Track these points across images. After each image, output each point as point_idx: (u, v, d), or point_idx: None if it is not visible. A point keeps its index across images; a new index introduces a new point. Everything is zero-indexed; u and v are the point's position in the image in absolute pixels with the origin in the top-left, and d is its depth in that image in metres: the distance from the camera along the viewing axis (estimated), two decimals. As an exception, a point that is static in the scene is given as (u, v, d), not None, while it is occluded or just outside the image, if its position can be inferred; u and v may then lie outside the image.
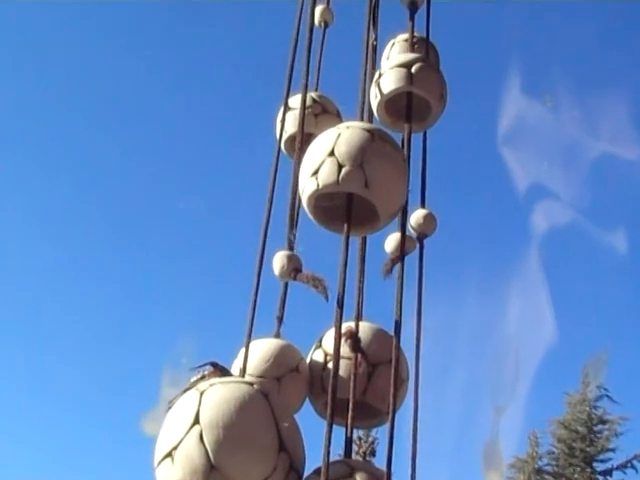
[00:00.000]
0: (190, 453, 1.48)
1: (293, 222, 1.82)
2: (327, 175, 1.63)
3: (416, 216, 1.93)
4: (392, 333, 1.69)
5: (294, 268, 1.73)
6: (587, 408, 12.47)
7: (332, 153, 1.63)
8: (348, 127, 1.68)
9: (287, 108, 2.04)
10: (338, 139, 1.65)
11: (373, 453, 11.31)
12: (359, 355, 1.71)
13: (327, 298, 1.66)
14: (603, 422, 12.55)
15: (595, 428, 12.49)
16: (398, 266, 1.74)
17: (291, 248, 1.78)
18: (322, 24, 2.24)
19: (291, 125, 2.04)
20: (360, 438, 11.26)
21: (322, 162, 1.64)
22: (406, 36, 2.01)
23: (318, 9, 2.21)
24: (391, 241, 1.87)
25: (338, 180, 1.62)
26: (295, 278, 1.73)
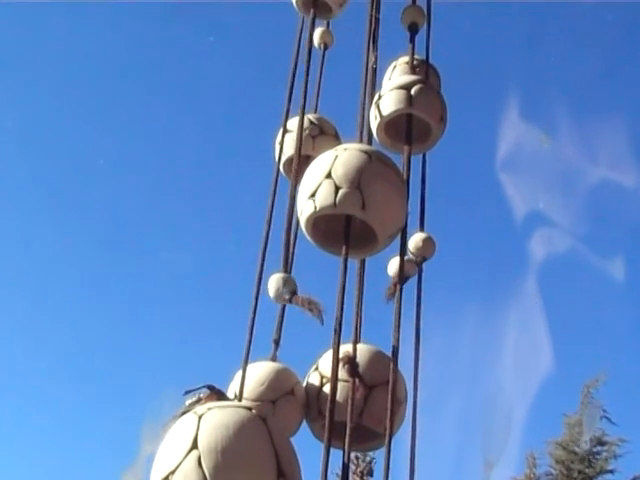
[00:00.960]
0: (188, 478, 1.47)
1: (289, 244, 1.81)
2: (324, 197, 1.62)
3: (415, 239, 1.93)
4: (390, 355, 1.68)
5: (289, 291, 1.72)
6: (586, 404, 12.41)
7: (329, 175, 1.63)
8: (346, 149, 1.68)
9: (286, 130, 2.04)
10: (335, 161, 1.64)
11: (371, 473, 11.25)
12: (357, 380, 1.70)
13: (322, 322, 1.65)
14: (602, 443, 12.50)
15: (594, 449, 12.45)
16: (397, 289, 1.73)
17: (286, 270, 1.77)
18: (322, 46, 2.24)
19: (290, 147, 2.03)
20: (358, 457, 11.21)
21: (319, 184, 1.63)
22: (407, 58, 2.01)
23: (318, 31, 2.21)
24: (394, 265, 1.87)
25: (335, 202, 1.61)
26: (291, 301, 1.72)
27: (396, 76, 2.01)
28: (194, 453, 1.47)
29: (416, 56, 2.00)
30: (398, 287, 1.73)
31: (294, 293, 1.72)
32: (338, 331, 1.60)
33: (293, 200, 1.77)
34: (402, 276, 1.75)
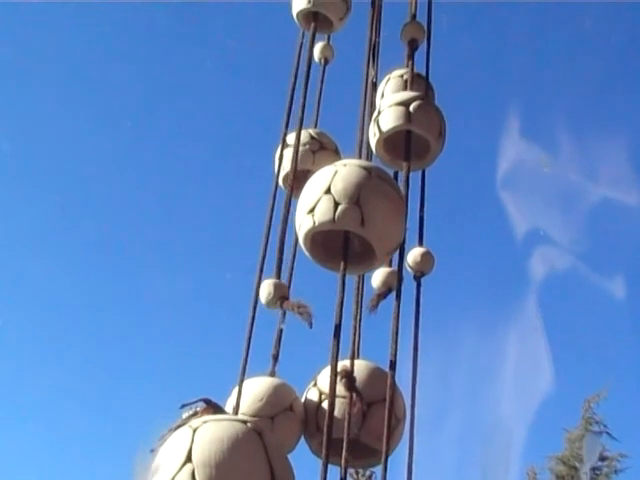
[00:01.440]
0: (182, 492, 1.46)
1: (282, 252, 1.80)
2: (323, 213, 1.62)
3: (413, 254, 1.92)
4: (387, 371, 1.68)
5: (281, 296, 1.72)
6: (586, 434, 12.40)
7: (328, 191, 1.63)
8: (345, 165, 1.68)
9: (285, 145, 2.04)
10: (335, 176, 1.64)
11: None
12: (354, 395, 1.69)
13: (311, 325, 1.65)
14: (602, 459, 12.49)
15: (594, 465, 12.42)
16: (394, 304, 1.73)
17: (278, 276, 1.76)
18: (322, 60, 2.25)
19: (289, 162, 2.03)
20: (358, 472, 11.20)
21: (318, 200, 1.63)
22: (401, 72, 2.02)
23: (318, 45, 2.22)
24: (378, 276, 1.87)
25: (334, 218, 1.61)
26: (282, 306, 1.72)
27: (389, 89, 2.01)
28: (188, 467, 1.47)
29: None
30: (395, 302, 1.73)
31: (285, 298, 1.72)
32: (336, 346, 1.60)
33: (288, 208, 1.77)
34: (399, 291, 1.75)
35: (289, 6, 2.12)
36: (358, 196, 1.61)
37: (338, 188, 1.63)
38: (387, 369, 1.72)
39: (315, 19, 2.08)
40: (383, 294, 1.80)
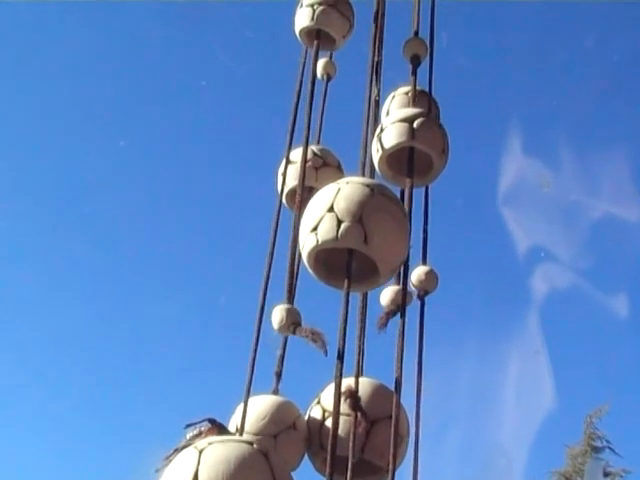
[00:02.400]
0: (188, 514, 1.45)
1: (293, 274, 1.80)
2: (326, 231, 1.62)
3: (417, 272, 1.92)
4: (392, 389, 1.68)
5: (293, 322, 1.72)
6: (589, 460, 12.35)
7: (331, 209, 1.63)
8: (348, 182, 1.68)
9: (288, 161, 2.04)
10: (337, 194, 1.64)
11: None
12: (359, 414, 1.69)
13: (326, 352, 1.65)
14: (605, 474, 12.43)
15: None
16: (399, 322, 1.73)
17: (290, 301, 1.76)
18: (325, 77, 2.25)
19: (292, 179, 2.03)
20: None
21: (321, 218, 1.63)
22: (406, 89, 2.02)
23: (321, 62, 2.22)
24: (386, 294, 1.87)
25: (337, 236, 1.61)
26: (294, 332, 1.71)
27: (394, 106, 2.01)
28: (195, 488, 1.46)
29: (417, 87, 2.00)
30: (401, 320, 1.73)
31: (297, 324, 1.72)
32: (340, 365, 1.60)
33: (297, 230, 1.77)
34: (404, 309, 1.74)
35: (292, 23, 2.13)
36: (361, 214, 1.61)
37: (341, 206, 1.62)
38: (391, 387, 1.72)
39: (318, 36, 2.09)
40: (392, 312, 1.79)
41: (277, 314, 1.73)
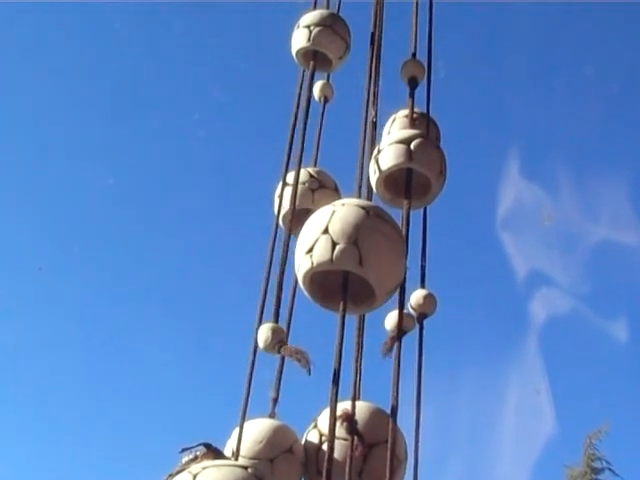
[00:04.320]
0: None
1: (280, 295, 1.79)
2: (321, 253, 1.61)
3: (416, 296, 1.91)
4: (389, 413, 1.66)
5: (279, 340, 1.70)
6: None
7: (326, 231, 1.62)
8: (343, 204, 1.67)
9: (285, 184, 2.03)
10: (332, 216, 1.63)
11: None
12: (356, 438, 1.67)
13: (309, 371, 1.63)
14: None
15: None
16: (395, 346, 1.72)
17: (276, 319, 1.75)
18: (322, 99, 2.25)
19: (289, 201, 2.02)
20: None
21: (316, 240, 1.62)
22: (406, 112, 2.01)
23: (318, 84, 2.22)
24: (391, 319, 1.85)
25: (332, 258, 1.60)
26: (279, 351, 1.70)
27: (395, 129, 2.01)
28: (188, 513, 1.44)
29: (416, 109, 2.00)
30: (397, 343, 1.71)
31: (283, 343, 1.70)
32: (336, 387, 1.58)
33: (287, 248, 1.76)
34: (400, 332, 1.73)
35: (288, 45, 2.12)
36: (356, 236, 1.60)
37: (336, 228, 1.61)
38: (388, 411, 1.70)
39: (314, 58, 2.08)
40: (396, 337, 1.78)
41: (263, 333, 1.72)
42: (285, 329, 1.76)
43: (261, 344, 1.72)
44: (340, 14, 2.16)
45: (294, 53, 2.11)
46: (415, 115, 1.99)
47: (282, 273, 1.81)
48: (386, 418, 1.72)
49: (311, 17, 2.11)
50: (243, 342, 1.78)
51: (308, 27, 2.09)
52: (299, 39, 2.09)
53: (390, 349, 1.75)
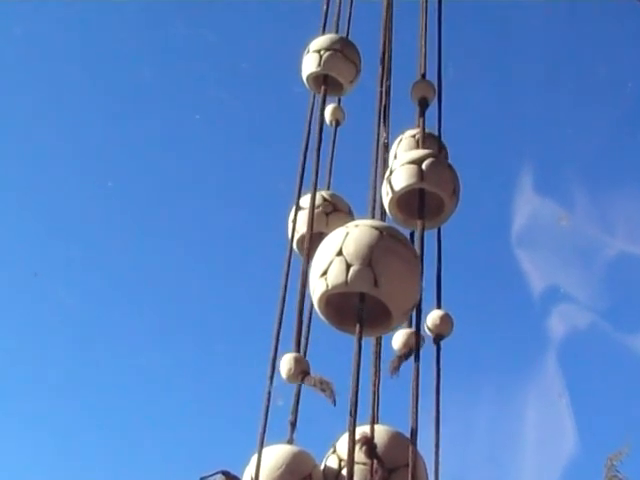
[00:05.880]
0: None
1: (301, 322, 1.78)
2: (336, 275, 1.60)
3: (432, 316, 1.90)
4: (408, 437, 1.64)
5: (301, 371, 1.69)
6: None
7: (340, 253, 1.61)
8: (357, 225, 1.66)
9: (299, 208, 2.03)
10: (346, 238, 1.62)
11: None
12: (375, 462, 1.65)
13: (334, 402, 1.62)
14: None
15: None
16: (413, 367, 1.70)
17: (298, 350, 1.74)
18: (333, 123, 2.25)
19: (303, 225, 2.02)
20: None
21: (331, 262, 1.61)
22: (413, 132, 2.01)
23: (329, 108, 2.22)
24: (398, 337, 1.84)
25: (347, 280, 1.58)
26: (303, 381, 1.69)
27: (402, 149, 2.00)
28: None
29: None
30: (415, 364, 1.69)
31: (306, 373, 1.69)
32: (354, 411, 1.57)
33: (305, 277, 1.75)
34: (418, 353, 1.71)
35: (299, 69, 2.13)
36: (370, 257, 1.59)
37: (350, 250, 1.60)
38: (407, 434, 1.68)
39: (325, 82, 2.09)
40: (404, 355, 1.76)
41: (285, 363, 1.71)
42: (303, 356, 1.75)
43: (284, 374, 1.71)
44: (349, 38, 2.17)
45: (305, 78, 2.11)
46: (422, 135, 1.98)
47: (302, 302, 1.80)
48: (405, 442, 1.69)
49: (321, 42, 2.12)
50: (261, 368, 1.77)
51: (318, 52, 2.09)
52: (309, 64, 2.09)
53: (397, 368, 1.74)
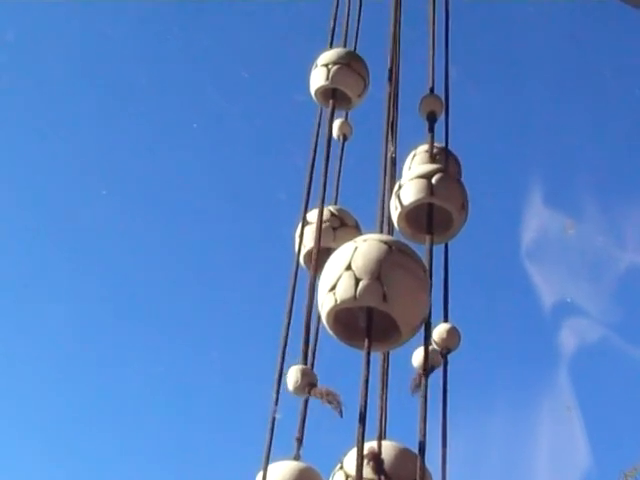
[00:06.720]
0: None
1: (308, 334, 1.77)
2: (344, 290, 1.59)
3: (439, 330, 1.89)
4: (416, 453, 1.63)
5: (308, 383, 1.68)
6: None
7: (349, 267, 1.60)
8: (365, 240, 1.65)
9: (306, 222, 2.03)
10: (355, 253, 1.61)
11: None
12: (382, 478, 1.64)
13: (341, 414, 1.61)
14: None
15: None
16: (422, 382, 1.69)
17: (305, 362, 1.73)
18: (341, 137, 2.25)
19: (310, 239, 2.02)
20: None
21: (339, 277, 1.60)
22: (427, 147, 2.01)
23: (337, 122, 2.22)
24: (419, 355, 1.83)
25: (356, 295, 1.57)
26: (309, 393, 1.68)
27: (416, 165, 2.00)
28: None
29: (436, 144, 1.99)
30: (423, 380, 1.68)
31: (313, 385, 1.68)
32: (362, 426, 1.55)
33: (312, 291, 1.74)
34: (427, 368, 1.70)
35: (307, 83, 2.13)
36: (379, 271, 1.58)
37: (358, 264, 1.59)
38: (416, 450, 1.67)
39: (333, 96, 2.09)
40: (424, 373, 1.75)
41: (292, 375, 1.70)
42: (310, 368, 1.74)
43: (290, 387, 1.70)
44: (357, 51, 2.17)
45: (313, 92, 2.12)
46: (435, 150, 1.99)
47: (309, 314, 1.79)
48: (414, 457, 1.68)
49: (329, 55, 2.12)
50: (266, 382, 1.76)
51: (326, 66, 2.10)
52: (317, 78, 2.10)
53: (419, 385, 1.73)
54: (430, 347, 1.82)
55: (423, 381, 1.68)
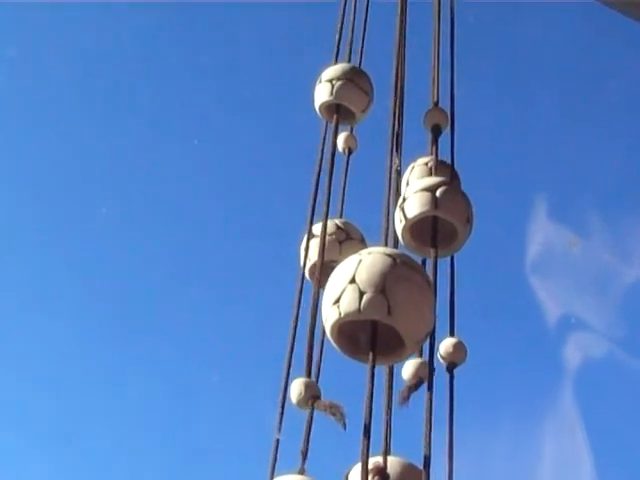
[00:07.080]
0: None
1: (312, 347, 1.77)
2: (349, 303, 1.58)
3: (445, 345, 1.89)
4: (421, 468, 1.62)
5: (312, 395, 1.68)
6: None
7: (353, 280, 1.59)
8: (370, 253, 1.64)
9: (311, 236, 2.03)
10: (359, 265, 1.61)
11: None
12: (388, 492, 1.63)
13: (345, 426, 1.60)
14: None
15: None
16: (426, 396, 1.68)
17: (309, 374, 1.73)
18: (346, 150, 2.26)
19: (315, 253, 2.02)
20: None
21: (343, 290, 1.59)
22: (426, 159, 2.02)
23: (342, 135, 2.23)
24: (409, 367, 1.83)
25: (360, 308, 1.57)
26: (313, 406, 1.67)
27: (414, 177, 2.00)
28: None
29: (432, 157, 2.00)
30: (428, 394, 1.68)
31: (317, 398, 1.67)
32: (367, 441, 1.55)
33: (316, 302, 1.74)
34: (431, 382, 1.69)
35: (311, 99, 2.14)
36: (384, 284, 1.57)
37: (363, 277, 1.59)
38: (421, 466, 1.66)
39: (338, 111, 2.10)
40: (414, 385, 1.75)
41: (295, 388, 1.70)
42: (314, 381, 1.74)
43: (294, 399, 1.70)
44: (362, 66, 2.18)
45: (317, 107, 2.14)
46: (434, 163, 1.99)
47: (313, 328, 1.79)
48: (419, 473, 1.67)
49: (333, 71, 2.14)
50: (271, 397, 1.75)
51: (330, 81, 2.11)
52: (322, 93, 2.12)
53: (407, 398, 1.73)
54: (420, 360, 1.82)
55: (427, 396, 1.68)
